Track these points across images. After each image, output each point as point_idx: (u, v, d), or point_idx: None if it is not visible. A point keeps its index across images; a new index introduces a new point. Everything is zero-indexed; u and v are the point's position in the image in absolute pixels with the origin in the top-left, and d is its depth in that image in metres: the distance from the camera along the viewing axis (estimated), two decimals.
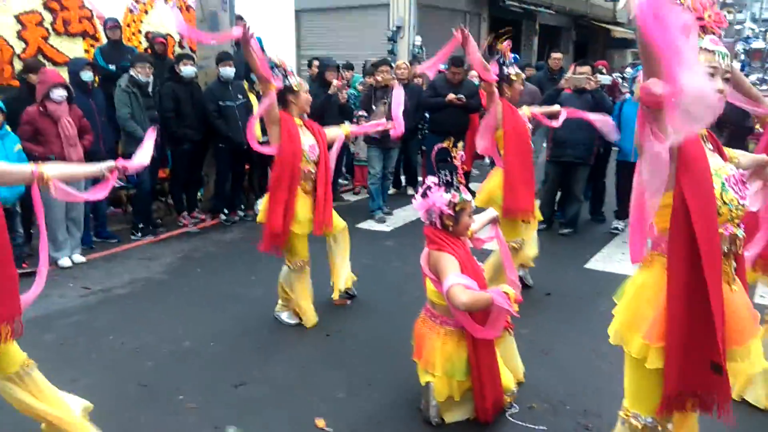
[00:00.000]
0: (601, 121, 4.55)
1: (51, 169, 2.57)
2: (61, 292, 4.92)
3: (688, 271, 1.96)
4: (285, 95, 4.07)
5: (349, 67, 8.69)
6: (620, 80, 12.10)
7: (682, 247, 1.97)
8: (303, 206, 4.12)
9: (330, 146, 4.27)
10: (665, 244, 2.04)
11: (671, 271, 2.01)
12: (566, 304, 4.71)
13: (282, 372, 3.68)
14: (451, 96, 7.03)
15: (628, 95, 6.79)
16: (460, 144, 3.02)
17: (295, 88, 4.07)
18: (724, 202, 2.00)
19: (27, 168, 2.55)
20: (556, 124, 4.94)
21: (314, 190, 4.16)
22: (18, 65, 6.70)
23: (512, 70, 4.51)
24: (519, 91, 4.59)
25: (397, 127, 4.49)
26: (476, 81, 8.12)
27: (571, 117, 4.89)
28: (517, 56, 12.52)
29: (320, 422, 3.14)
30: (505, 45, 4.44)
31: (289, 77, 4.07)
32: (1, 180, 2.54)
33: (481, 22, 17.64)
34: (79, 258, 5.61)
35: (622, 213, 6.62)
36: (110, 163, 2.77)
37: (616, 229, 6.68)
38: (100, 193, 2.84)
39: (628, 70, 15.97)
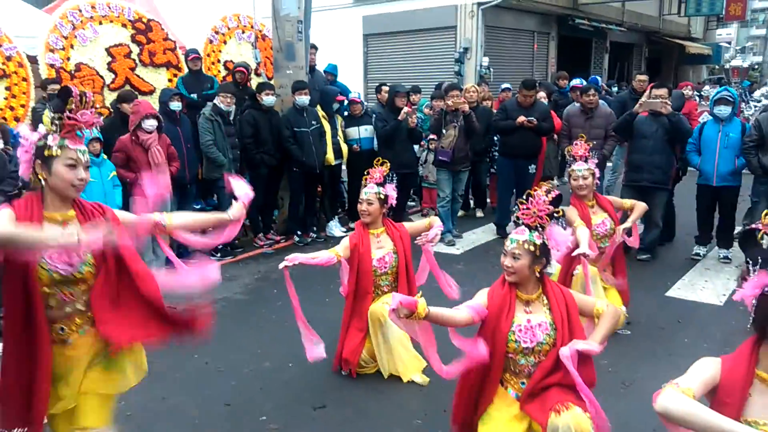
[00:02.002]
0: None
1: (175, 218, 2.63)
2: None
3: None
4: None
5: (417, 90, 8.76)
6: (697, 98, 11.71)
7: None
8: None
9: (414, 237, 4.04)
10: None
11: None
12: (648, 333, 4.56)
13: (360, 396, 3.75)
14: (522, 118, 6.88)
15: (707, 116, 6.55)
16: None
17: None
18: None
19: (151, 218, 2.56)
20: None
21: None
22: (107, 95, 7.15)
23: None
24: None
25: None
26: (546, 102, 8.05)
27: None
28: (597, 78, 12.33)
29: None
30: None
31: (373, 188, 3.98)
32: (131, 230, 2.48)
33: (550, 42, 17.48)
34: None
35: (704, 238, 6.38)
36: (235, 209, 2.76)
37: (698, 255, 6.39)
38: (224, 238, 2.86)
39: (706, 87, 15.44)
